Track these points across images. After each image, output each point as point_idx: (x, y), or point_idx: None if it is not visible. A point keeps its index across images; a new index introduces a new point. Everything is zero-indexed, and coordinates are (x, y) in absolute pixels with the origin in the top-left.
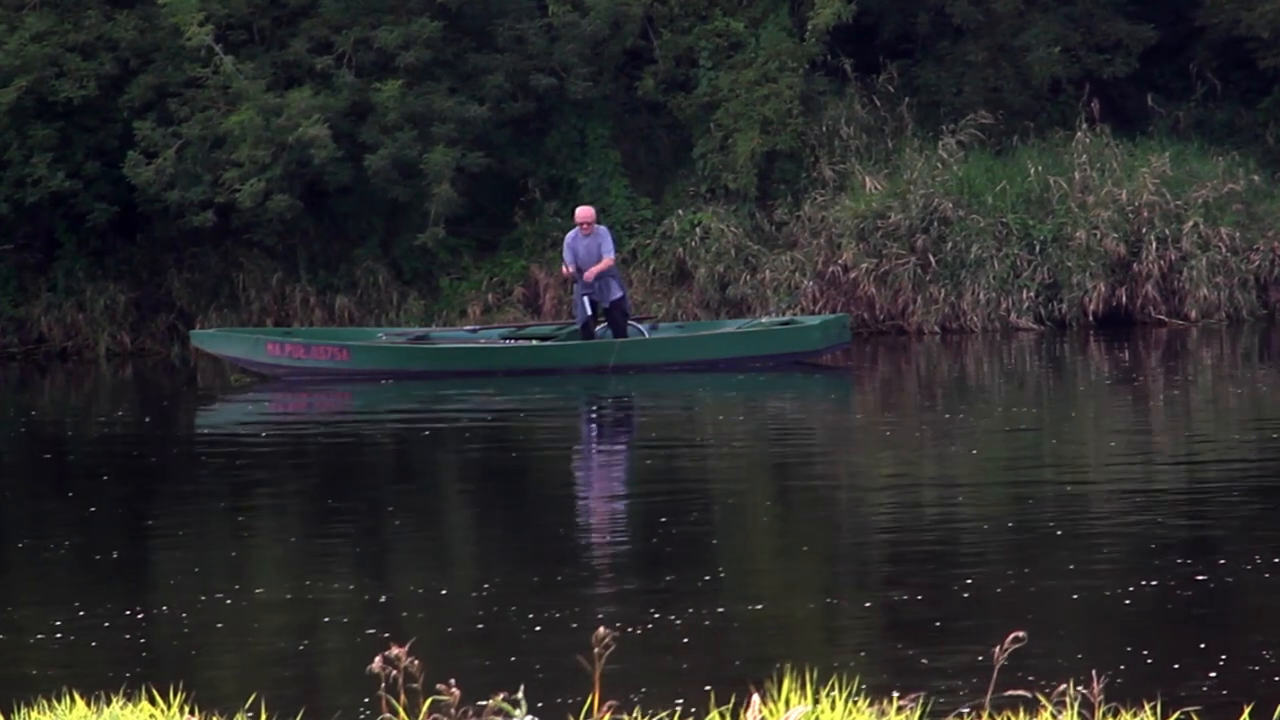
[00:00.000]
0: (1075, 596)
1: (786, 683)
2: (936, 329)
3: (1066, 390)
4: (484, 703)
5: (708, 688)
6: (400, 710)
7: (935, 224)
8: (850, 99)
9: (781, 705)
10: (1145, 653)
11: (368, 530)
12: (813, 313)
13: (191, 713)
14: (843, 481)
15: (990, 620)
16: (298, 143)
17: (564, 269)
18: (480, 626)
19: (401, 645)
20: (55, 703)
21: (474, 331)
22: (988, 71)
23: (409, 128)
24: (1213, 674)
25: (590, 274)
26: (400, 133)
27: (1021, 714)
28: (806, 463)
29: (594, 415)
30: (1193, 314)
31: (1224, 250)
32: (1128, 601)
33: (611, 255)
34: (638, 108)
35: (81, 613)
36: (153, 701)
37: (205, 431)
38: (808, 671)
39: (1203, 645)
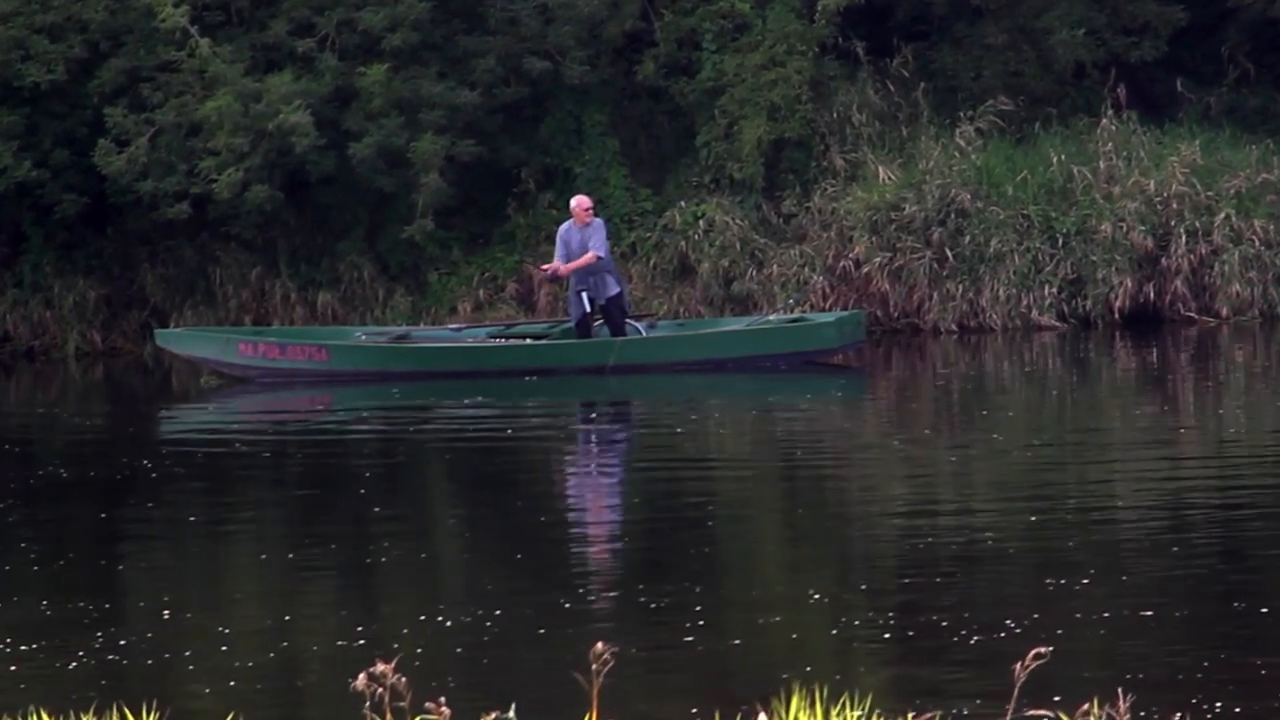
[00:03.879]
0: (1100, 611)
1: (795, 701)
2: (954, 327)
3: (1091, 392)
4: None
5: (712, 707)
6: None
7: (952, 216)
8: (862, 84)
9: None
10: (1173, 670)
11: (350, 541)
12: (823, 309)
13: None
14: (856, 491)
15: (1011, 636)
16: (278, 130)
17: (542, 268)
18: (470, 641)
19: (387, 661)
20: None
21: (458, 330)
22: (1008, 55)
23: (395, 114)
24: (1242, 692)
25: (565, 269)
26: (386, 119)
27: None
28: (818, 471)
29: (592, 419)
30: (1224, 311)
31: (1257, 244)
32: (1155, 617)
33: (599, 251)
34: (637, 93)
35: (48, 628)
36: None
37: (177, 437)
38: (817, 690)
39: (1232, 662)
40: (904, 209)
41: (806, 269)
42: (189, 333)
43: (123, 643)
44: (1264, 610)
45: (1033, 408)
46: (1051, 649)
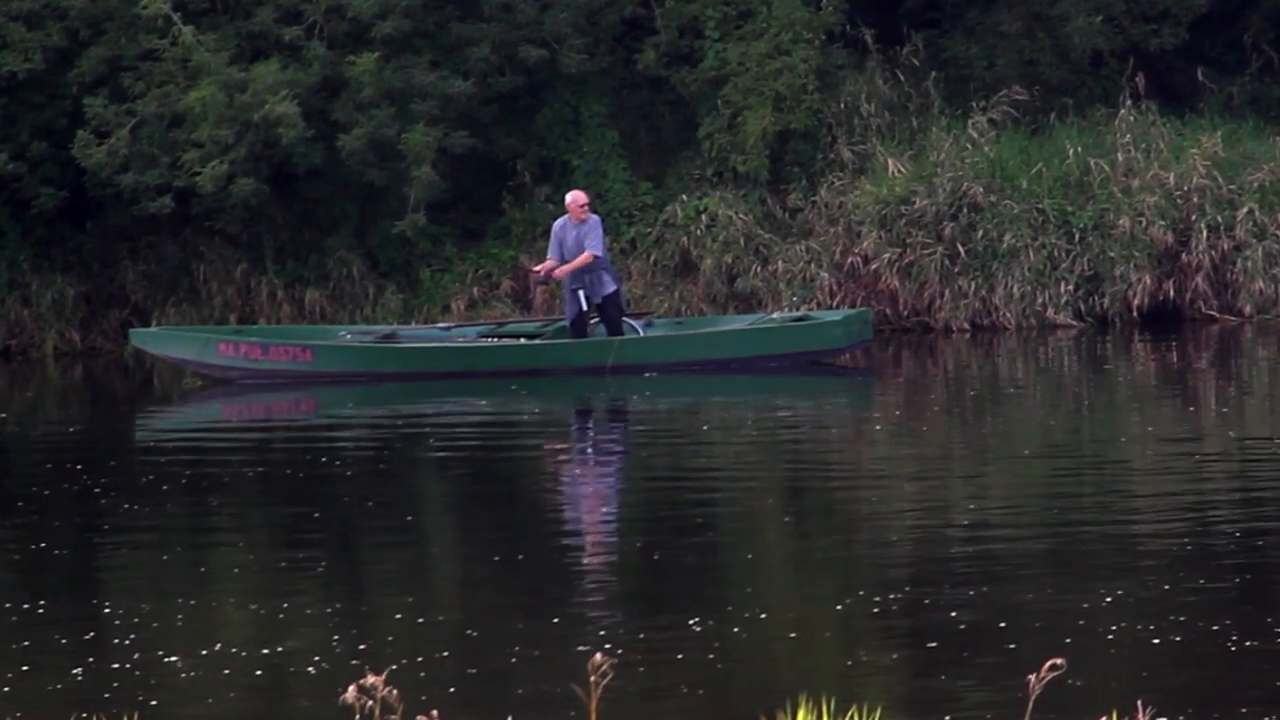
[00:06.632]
0: (1118, 622)
1: (802, 713)
2: (966, 326)
3: (1109, 394)
4: None
5: None
6: None
7: (964, 210)
8: (871, 73)
9: None
10: (1193, 683)
11: (338, 550)
12: (830, 307)
13: None
14: (863, 498)
15: (1025, 647)
16: (264, 121)
17: (533, 270)
18: (464, 652)
19: (378, 673)
20: None
21: (447, 329)
22: (1022, 43)
23: (386, 105)
24: (1263, 705)
25: (560, 272)
26: (376, 110)
27: None
28: (823, 477)
29: (589, 422)
30: (1247, 309)
31: None
32: (1174, 628)
33: (594, 249)
34: (637, 83)
35: (27, 638)
36: None
37: (156, 441)
38: (825, 702)
39: (1253, 676)
40: (914, 203)
41: (813, 265)
42: (165, 332)
43: (104, 651)
44: None
45: (1048, 410)
46: (1067, 660)
